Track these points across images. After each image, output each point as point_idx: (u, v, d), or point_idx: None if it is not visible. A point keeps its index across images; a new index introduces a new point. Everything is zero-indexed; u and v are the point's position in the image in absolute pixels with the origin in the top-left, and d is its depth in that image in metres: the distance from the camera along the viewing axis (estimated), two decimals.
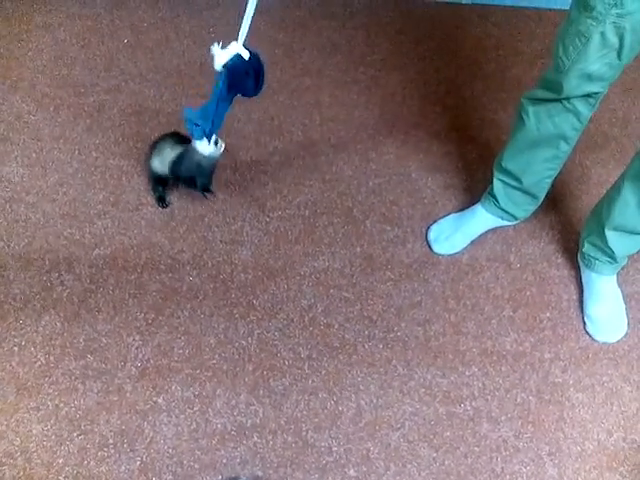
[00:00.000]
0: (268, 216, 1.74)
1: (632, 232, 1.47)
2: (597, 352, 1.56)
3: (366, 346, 1.53)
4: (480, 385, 1.50)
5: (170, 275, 1.63)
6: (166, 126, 1.89)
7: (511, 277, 1.68)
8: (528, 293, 1.65)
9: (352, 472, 1.35)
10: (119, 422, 1.41)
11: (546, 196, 1.63)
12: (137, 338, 1.53)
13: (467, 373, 1.51)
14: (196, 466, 1.35)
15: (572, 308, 1.63)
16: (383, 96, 2.06)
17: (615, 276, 1.64)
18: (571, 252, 1.72)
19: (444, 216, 1.77)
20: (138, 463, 1.36)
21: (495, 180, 1.62)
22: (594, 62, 1.22)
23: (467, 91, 2.10)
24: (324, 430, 1.40)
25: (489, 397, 1.48)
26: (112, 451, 1.37)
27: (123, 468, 1.35)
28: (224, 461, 1.36)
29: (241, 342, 1.52)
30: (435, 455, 1.39)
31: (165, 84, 2.05)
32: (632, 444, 1.44)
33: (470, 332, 1.58)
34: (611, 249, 1.51)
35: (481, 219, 1.71)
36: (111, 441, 1.39)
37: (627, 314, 1.62)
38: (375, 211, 1.77)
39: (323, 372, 1.48)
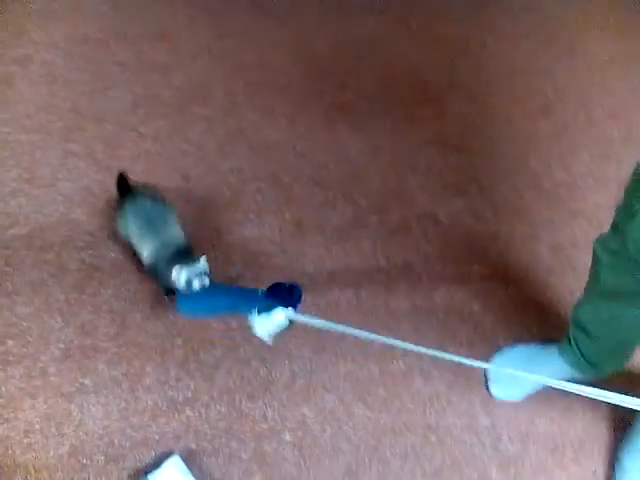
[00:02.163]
0: (192, 185, 1.69)
1: None
2: (525, 303, 1.59)
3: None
4: (412, 341, 1.51)
5: (90, 252, 1.56)
6: (81, 96, 1.80)
7: (440, 234, 1.68)
8: (456, 248, 1.66)
9: (288, 437, 1.35)
10: (45, 406, 1.35)
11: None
12: (59, 319, 1.46)
13: (399, 331, 1.52)
14: (128, 444, 1.32)
15: (500, 261, 1.65)
16: (309, 57, 2.01)
17: None
18: (496, 206, 1.74)
19: (512, 346, 1.50)
20: (67, 447, 1.31)
21: (571, 332, 1.38)
22: None
23: (394, 46, 2.07)
24: (258, 398, 1.39)
25: None
26: (39, 437, 1.32)
27: (52, 453, 1.30)
28: (157, 437, 1.33)
29: (168, 317, 1.47)
30: (370, 414, 1.40)
31: (78, 53, 1.94)
32: (560, 390, 1.48)
33: (401, 290, 1.58)
34: None
35: (556, 367, 1.41)
36: (37, 427, 1.33)
37: None
38: (303, 175, 1.74)
39: (255, 340, 1.45)
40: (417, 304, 1.56)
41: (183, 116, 1.83)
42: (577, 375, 1.42)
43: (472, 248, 1.67)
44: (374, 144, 1.83)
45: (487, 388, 1.46)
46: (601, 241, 1.20)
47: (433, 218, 1.71)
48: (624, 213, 1.07)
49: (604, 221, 1.75)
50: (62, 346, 1.43)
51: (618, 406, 0.91)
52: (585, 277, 1.64)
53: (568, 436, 1.42)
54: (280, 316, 1.19)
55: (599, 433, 1.43)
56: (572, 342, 1.37)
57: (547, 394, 1.44)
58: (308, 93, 1.91)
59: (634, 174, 1.04)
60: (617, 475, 1.36)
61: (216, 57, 1.96)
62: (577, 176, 1.86)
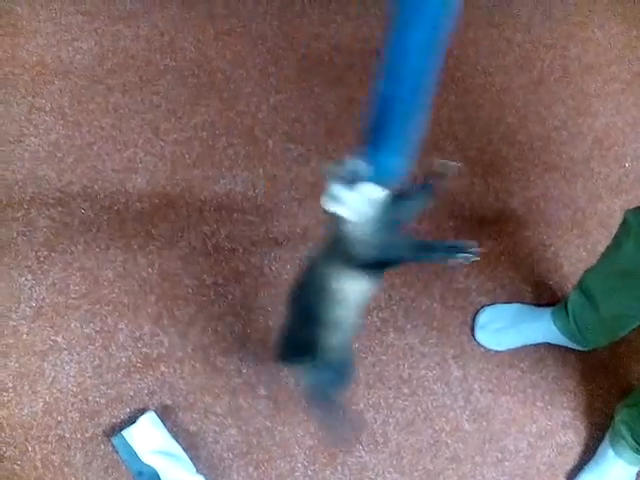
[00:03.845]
0: (163, 140, 1.64)
1: None
2: (498, 257, 1.60)
3: (273, 268, 1.51)
4: (386, 297, 1.52)
5: (60, 209, 1.52)
6: (47, 48, 1.73)
7: None
8: (432, 205, 1.66)
9: (263, 391, 1.36)
10: (17, 365, 1.35)
11: None
12: (29, 277, 1.44)
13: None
14: (102, 401, 1.32)
15: (474, 215, 1.65)
16: (281, 6, 1.94)
17: (636, 470, 1.34)
18: (471, 160, 1.73)
19: (505, 302, 1.53)
20: (41, 404, 1.31)
21: (573, 294, 1.38)
22: None
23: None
24: (233, 354, 1.40)
25: (395, 307, 1.50)
26: (12, 395, 1.32)
27: (26, 411, 1.31)
28: (131, 394, 1.33)
29: (141, 274, 1.46)
30: None
31: (42, 3, 1.85)
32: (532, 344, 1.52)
33: None
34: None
35: (545, 329, 1.45)
36: (10, 385, 1.33)
37: None
38: (277, 129, 1.70)
39: (229, 297, 1.46)
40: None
41: (152, 68, 1.77)
42: (563, 341, 1.45)
43: (446, 203, 1.66)
44: (349, 97, 1.79)
45: (473, 334, 1.48)
46: (635, 213, 1.15)
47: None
48: None
49: (579, 175, 1.78)
50: (33, 304, 1.41)
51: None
52: (559, 230, 1.67)
53: (539, 388, 1.45)
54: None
55: (569, 385, 1.46)
56: (569, 306, 1.38)
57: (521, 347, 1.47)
58: (281, 44, 1.85)
59: None
60: None
61: (185, 7, 1.88)
62: (552, 130, 1.85)
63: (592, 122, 1.91)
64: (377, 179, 0.83)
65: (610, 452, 1.32)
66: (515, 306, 1.51)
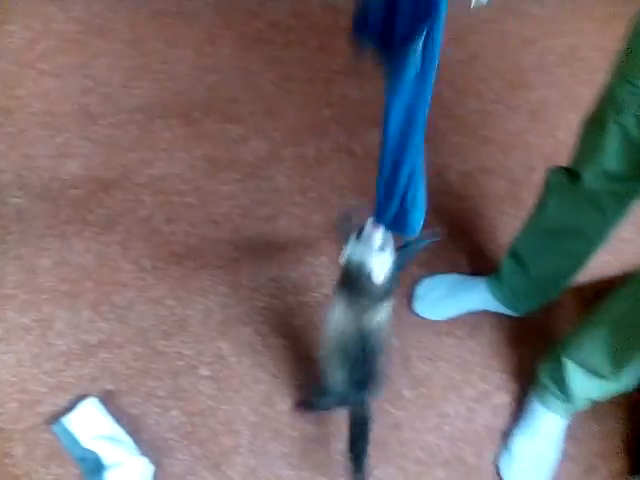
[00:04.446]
0: (97, 124, 1.62)
1: (594, 373, 1.22)
2: (436, 228, 1.64)
3: (213, 250, 1.52)
4: (328, 273, 1.54)
5: None
6: None
7: (354, 166, 1.69)
8: (371, 180, 1.68)
9: (205, 371, 1.37)
10: None
11: None
12: None
13: (316, 263, 1.55)
14: (43, 390, 1.32)
15: None
16: None
17: (565, 423, 1.36)
18: None
19: (442, 273, 1.55)
20: None
21: (504, 260, 1.42)
22: (614, 158, 1.00)
23: None
24: (173, 336, 1.40)
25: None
26: None
27: None
28: (72, 381, 1.33)
29: (78, 260, 1.45)
30: (286, 343, 1.43)
31: None
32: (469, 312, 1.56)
33: (317, 224, 1.60)
34: (567, 382, 1.26)
35: (481, 296, 1.49)
36: None
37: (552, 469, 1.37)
38: (214, 110, 1.70)
39: (169, 280, 1.46)
40: (334, 236, 1.58)
41: (85, 51, 1.73)
42: (499, 308, 1.50)
43: None
44: (287, 76, 1.79)
45: (411, 305, 1.51)
46: (556, 171, 1.19)
47: (348, 151, 1.71)
48: (587, 146, 1.06)
49: (514, 147, 1.82)
50: None
51: None
52: (495, 202, 1.71)
53: (475, 354, 1.50)
54: None
55: (505, 350, 1.51)
56: (502, 272, 1.43)
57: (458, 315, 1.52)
58: (216, 23, 1.83)
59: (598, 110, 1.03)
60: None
61: None
62: (488, 103, 1.89)
63: (528, 95, 1.95)
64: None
65: (538, 407, 1.35)
66: (452, 276, 1.56)
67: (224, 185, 1.60)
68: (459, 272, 1.58)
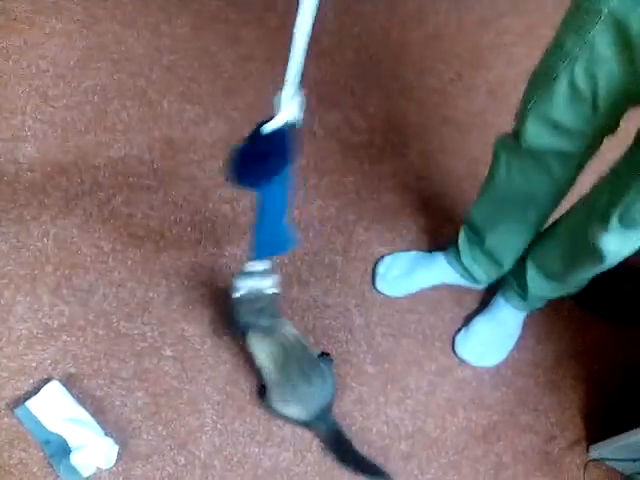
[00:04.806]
0: (52, 106, 1.59)
1: (551, 276, 1.36)
2: (397, 209, 1.66)
3: (173, 231, 1.51)
4: (289, 253, 1.55)
5: None
6: None
7: (315, 146, 1.70)
8: (332, 160, 1.69)
9: (169, 352, 1.38)
10: None
11: None
12: None
13: None
14: (4, 374, 1.30)
15: (373, 172, 1.70)
16: None
17: (523, 315, 1.52)
18: (369, 116, 1.77)
19: (401, 251, 1.59)
20: None
21: (461, 231, 1.48)
22: (560, 108, 1.00)
23: None
24: (136, 318, 1.40)
25: (299, 262, 1.54)
26: None
27: None
28: (34, 365, 1.32)
29: (36, 244, 1.43)
30: None
31: None
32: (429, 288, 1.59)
33: None
34: (527, 282, 1.39)
35: (440, 270, 1.53)
36: None
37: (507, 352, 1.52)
38: (172, 90, 1.68)
39: (129, 262, 1.45)
40: (294, 217, 1.59)
41: (37, 31, 1.69)
42: (459, 281, 1.54)
43: (346, 159, 1.70)
44: (246, 55, 1.78)
45: (373, 283, 1.54)
46: (502, 137, 1.22)
47: (309, 131, 1.72)
48: (534, 95, 1.06)
49: (474, 127, 1.85)
50: None
51: None
52: (455, 180, 1.74)
53: (437, 329, 1.54)
54: None
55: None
56: (459, 245, 1.47)
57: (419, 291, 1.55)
58: (173, 1, 1.80)
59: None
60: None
61: None
62: (448, 83, 1.91)
63: (486, 74, 1.98)
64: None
65: (500, 300, 1.51)
66: (411, 254, 1.58)
67: (183, 166, 1.59)
68: (420, 250, 1.61)
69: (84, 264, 1.43)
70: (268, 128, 0.94)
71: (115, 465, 1.24)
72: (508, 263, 1.45)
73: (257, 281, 1.24)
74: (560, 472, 1.41)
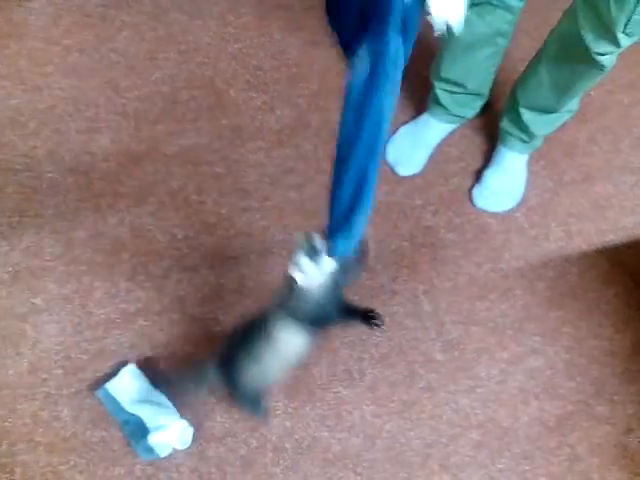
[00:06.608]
0: (124, 97, 1.64)
1: (546, 111, 1.46)
2: (464, 193, 1.63)
3: (243, 218, 1.53)
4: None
5: (27, 174, 1.53)
6: None
7: None
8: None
9: None
10: None
11: None
12: (3, 244, 1.46)
13: None
14: (85, 357, 1.36)
15: (441, 158, 1.67)
16: None
17: (526, 157, 1.64)
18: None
19: (394, 132, 1.68)
20: (26, 364, 1.35)
21: (438, 90, 1.58)
22: None
23: None
24: (209, 303, 1.43)
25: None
26: None
27: (11, 372, 1.34)
28: (113, 348, 1.37)
29: (113, 232, 1.48)
30: None
31: None
32: (499, 272, 1.55)
33: None
34: (526, 125, 1.51)
35: (436, 129, 1.66)
36: None
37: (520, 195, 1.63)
38: (238, 79, 1.69)
39: (202, 249, 1.49)
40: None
41: (108, 25, 1.74)
42: (452, 128, 1.67)
43: None
44: (310, 41, 1.77)
45: (394, 172, 1.63)
46: None
47: None
48: None
49: None
50: (10, 269, 1.43)
51: None
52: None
53: (508, 317, 1.50)
54: None
55: (538, 312, 1.51)
56: (439, 99, 1.59)
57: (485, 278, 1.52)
58: None
59: None
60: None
61: None
62: None
63: None
64: (332, 253, 0.97)
65: (503, 150, 1.62)
66: (403, 132, 1.67)
67: (251, 154, 1.61)
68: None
69: (158, 251, 1.47)
70: None
71: (190, 446, 1.28)
72: (489, 89, 1.60)
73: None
74: (638, 467, 1.35)
